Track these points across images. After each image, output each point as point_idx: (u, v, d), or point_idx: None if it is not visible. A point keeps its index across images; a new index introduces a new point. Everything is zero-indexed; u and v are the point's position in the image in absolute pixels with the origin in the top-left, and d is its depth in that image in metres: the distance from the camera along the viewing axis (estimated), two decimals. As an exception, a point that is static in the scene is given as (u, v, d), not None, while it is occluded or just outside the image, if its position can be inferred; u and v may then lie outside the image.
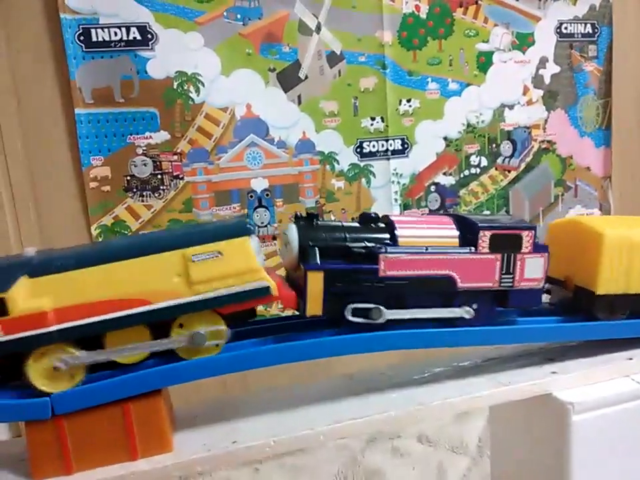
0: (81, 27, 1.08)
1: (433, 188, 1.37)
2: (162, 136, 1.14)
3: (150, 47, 1.12)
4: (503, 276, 0.55)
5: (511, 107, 1.41)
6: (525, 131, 1.44)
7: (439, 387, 0.56)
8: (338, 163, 1.27)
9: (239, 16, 1.17)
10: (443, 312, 0.54)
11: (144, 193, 1.13)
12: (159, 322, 0.48)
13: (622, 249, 0.59)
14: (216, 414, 0.54)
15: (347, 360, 0.56)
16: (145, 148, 1.13)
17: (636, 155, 1.56)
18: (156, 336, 0.48)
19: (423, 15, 1.30)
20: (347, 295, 0.52)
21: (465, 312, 0.55)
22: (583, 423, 0.54)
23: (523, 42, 1.40)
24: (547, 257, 0.57)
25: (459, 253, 0.55)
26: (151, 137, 1.13)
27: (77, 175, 1.10)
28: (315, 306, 0.51)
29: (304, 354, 0.52)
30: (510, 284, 0.56)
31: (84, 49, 1.09)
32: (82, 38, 1.09)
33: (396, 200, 1.33)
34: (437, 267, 0.54)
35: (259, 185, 1.21)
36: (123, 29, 1.11)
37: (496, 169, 1.43)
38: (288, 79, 1.20)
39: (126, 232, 1.12)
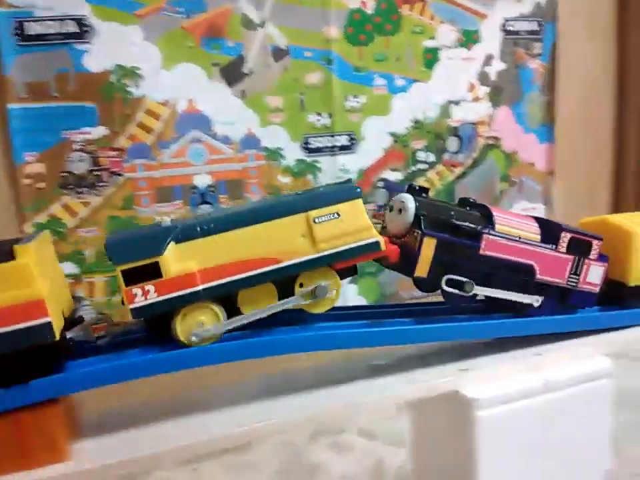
0: (15, 20, 1.05)
1: (380, 184, 1.38)
2: (100, 131, 1.11)
3: (87, 40, 1.09)
4: (571, 275, 0.63)
5: (457, 103, 1.43)
6: (471, 127, 1.46)
7: (351, 387, 0.56)
8: (284, 159, 1.27)
9: (180, 9, 1.15)
10: (518, 296, 0.61)
11: (81, 190, 1.10)
12: (285, 280, 0.54)
13: None
14: (123, 420, 0.54)
15: (264, 362, 0.56)
16: (82, 143, 1.10)
17: (579, 150, 1.60)
18: (280, 293, 0.54)
19: (370, 11, 1.30)
20: (448, 265, 0.58)
21: (535, 300, 0.62)
22: (488, 419, 0.56)
23: (469, 39, 1.42)
24: (607, 266, 0.65)
25: (543, 247, 0.62)
26: (88, 132, 1.10)
27: (9, 171, 1.06)
28: (423, 268, 0.56)
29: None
30: (575, 284, 0.64)
31: (19, 43, 1.05)
32: (17, 31, 1.05)
33: (344, 196, 1.33)
34: (524, 255, 0.61)
35: (203, 181, 1.20)
36: (59, 22, 1.07)
37: (443, 164, 1.45)
38: (232, 73, 1.19)
39: (61, 230, 1.09)
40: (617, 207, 1.67)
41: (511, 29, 1.46)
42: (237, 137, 1.22)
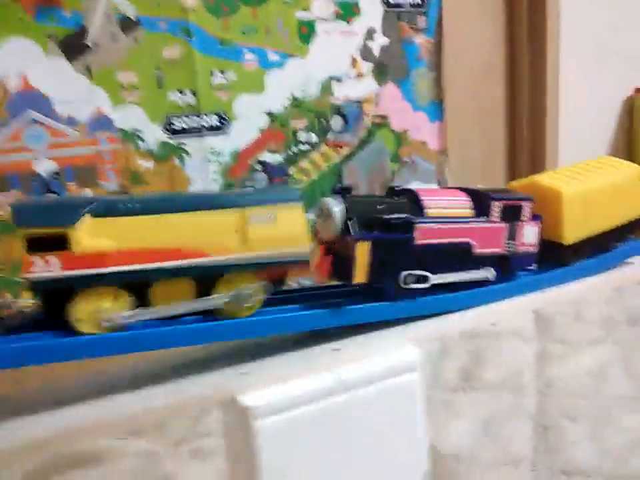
0: None
1: (258, 167, 1.30)
2: None
3: None
4: (508, 242, 0.64)
5: (340, 80, 1.36)
6: (356, 105, 1.39)
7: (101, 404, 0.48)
8: (144, 141, 1.16)
9: (8, -25, 1.01)
10: (474, 274, 0.62)
11: None
12: (207, 278, 0.50)
13: (579, 200, 0.68)
14: None
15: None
16: None
17: (470, 128, 1.57)
18: (200, 292, 0.50)
19: (234, -22, 1.20)
20: (386, 263, 0.56)
21: (490, 274, 0.63)
22: (269, 428, 0.49)
23: (348, 12, 1.34)
24: (540, 224, 0.66)
25: (476, 221, 0.61)
26: None
27: None
28: (361, 274, 0.54)
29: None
30: (513, 249, 0.64)
31: None
32: None
33: (215, 180, 1.24)
34: (459, 234, 0.60)
35: (45, 167, 1.08)
36: None
37: (327, 144, 1.37)
38: (72, 47, 1.07)
39: None
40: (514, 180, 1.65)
41: (393, 1, 1.39)
42: (83, 118, 1.10)
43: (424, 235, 0.57)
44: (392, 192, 0.61)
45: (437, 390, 1.16)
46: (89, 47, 1.08)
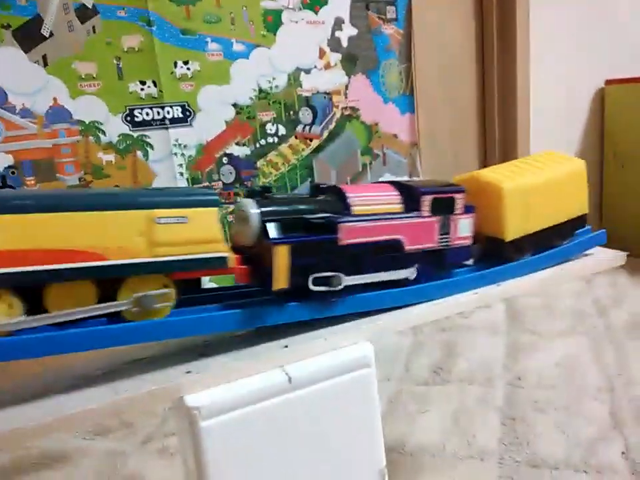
0: None
1: (225, 160, 1.27)
2: None
3: None
4: (441, 236, 0.60)
5: (308, 71, 1.34)
6: (325, 97, 1.37)
7: (43, 404, 0.45)
8: (104, 134, 1.13)
9: (-42, -41, 0.97)
10: (392, 274, 0.58)
11: None
12: (109, 280, 0.46)
13: (520, 196, 0.66)
14: None
15: None
16: None
17: (441, 121, 1.56)
18: (101, 294, 0.47)
19: (196, -34, 1.17)
20: (309, 265, 0.53)
21: (410, 273, 0.59)
22: (215, 428, 0.47)
23: (315, 1, 1.32)
24: (474, 216, 0.63)
25: (405, 217, 0.58)
26: None
27: None
28: (281, 279, 0.51)
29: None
30: (447, 243, 0.61)
31: None
32: None
33: (181, 174, 1.21)
34: (387, 232, 0.57)
35: (1, 161, 1.04)
36: None
37: (296, 137, 1.35)
38: (27, 36, 1.03)
39: None
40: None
41: (361, -10, 1.37)
42: (41, 110, 1.06)
43: (349, 235, 0.54)
44: (317, 190, 0.57)
45: (407, 383, 1.16)
46: (44, 36, 1.04)
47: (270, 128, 1.31)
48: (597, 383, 1.11)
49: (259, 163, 1.31)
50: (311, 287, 0.53)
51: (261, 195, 0.53)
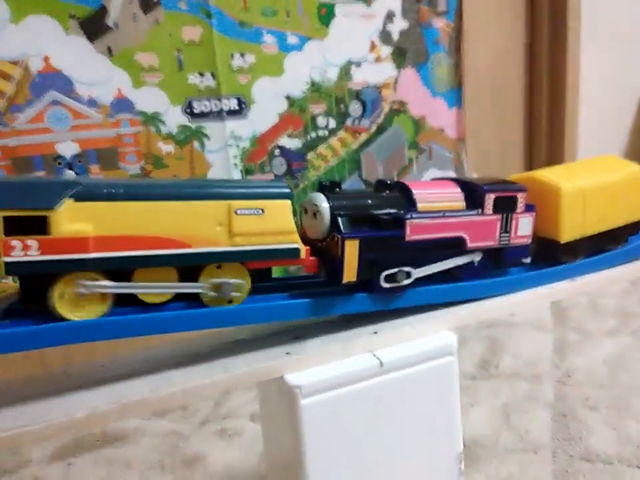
0: None
1: (277, 151, 1.29)
2: None
3: None
4: (502, 234, 0.61)
5: (359, 65, 1.35)
6: (374, 91, 1.38)
7: (160, 377, 0.48)
8: (164, 125, 1.15)
9: (30, -48, 1.00)
10: (457, 260, 0.58)
11: None
12: (190, 267, 0.49)
13: (577, 198, 0.65)
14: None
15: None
16: None
17: (488, 115, 1.56)
18: (183, 281, 0.49)
19: (256, -40, 1.19)
20: (377, 260, 0.54)
21: (475, 257, 0.60)
22: (313, 407, 0.49)
23: (368, -6, 1.32)
24: (535, 215, 0.63)
25: (469, 215, 0.58)
26: None
27: None
28: (350, 273, 0.52)
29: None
30: (507, 241, 0.61)
31: None
32: None
33: (236, 165, 1.24)
34: (451, 229, 0.57)
35: (68, 149, 1.07)
36: None
37: (345, 130, 1.37)
38: (93, 27, 1.06)
39: None
40: (531, 170, 1.64)
41: (413, -16, 1.38)
42: (105, 100, 1.09)
43: (415, 231, 0.54)
44: (382, 186, 0.58)
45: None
46: (109, 27, 1.07)
47: (321, 121, 1.33)
48: (646, 382, 1.11)
49: (309, 156, 1.33)
50: (382, 283, 0.54)
51: (330, 189, 0.54)
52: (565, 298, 1.38)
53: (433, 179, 0.67)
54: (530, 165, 1.63)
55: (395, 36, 1.38)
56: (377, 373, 0.52)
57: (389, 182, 0.58)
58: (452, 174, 1.54)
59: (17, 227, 0.42)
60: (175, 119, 1.16)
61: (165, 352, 0.55)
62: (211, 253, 0.48)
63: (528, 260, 0.67)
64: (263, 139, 1.26)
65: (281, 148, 1.29)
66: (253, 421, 1.07)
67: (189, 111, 1.17)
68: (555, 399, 1.08)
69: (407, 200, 0.56)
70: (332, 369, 0.51)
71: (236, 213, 0.49)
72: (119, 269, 0.46)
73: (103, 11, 1.06)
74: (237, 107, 1.21)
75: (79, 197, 0.44)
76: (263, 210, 0.50)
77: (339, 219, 0.52)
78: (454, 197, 0.59)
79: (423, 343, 0.55)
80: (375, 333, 0.54)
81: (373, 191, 0.58)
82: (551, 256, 0.66)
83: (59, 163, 1.07)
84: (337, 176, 1.37)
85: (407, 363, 0.54)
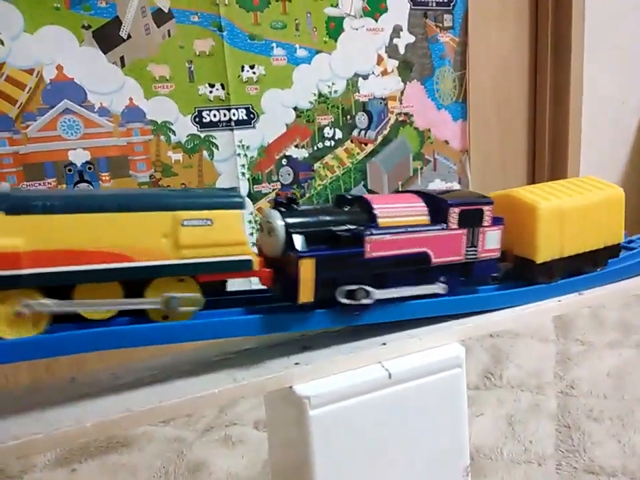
0: None
1: (284, 161, 1.31)
2: (-48, 101, 0.98)
3: None
4: (468, 249, 0.59)
5: (365, 77, 1.36)
6: (380, 103, 1.40)
7: (169, 386, 0.49)
8: (174, 134, 1.17)
9: (45, -36, 1.02)
10: (422, 289, 0.57)
11: None
12: (135, 281, 0.46)
13: (555, 218, 0.64)
14: None
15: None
16: None
17: (492, 128, 1.58)
18: (128, 296, 0.47)
19: (265, -27, 1.21)
20: (334, 278, 0.52)
21: (441, 288, 0.58)
22: (322, 418, 0.50)
23: (375, 9, 1.35)
24: (503, 228, 0.61)
25: (432, 230, 0.57)
26: (-63, 101, 0.97)
27: None
28: (307, 293, 0.50)
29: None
30: (474, 256, 0.59)
31: None
32: None
33: (243, 174, 1.25)
34: (414, 245, 0.55)
35: (79, 157, 1.09)
36: None
37: (352, 141, 1.38)
38: (107, 38, 1.08)
39: None
40: (533, 184, 1.65)
41: (420, -1, 1.40)
42: (117, 109, 1.11)
43: (376, 248, 0.52)
44: (342, 201, 0.56)
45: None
46: (122, 38, 1.09)
47: (327, 131, 1.34)
48: (649, 395, 1.12)
49: (316, 166, 1.34)
50: (340, 299, 0.52)
51: (287, 205, 0.52)
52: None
53: (398, 192, 0.65)
54: (533, 177, 1.65)
55: (402, 50, 1.40)
56: (385, 385, 0.53)
57: (349, 197, 0.56)
58: (456, 185, 1.55)
59: None
60: (184, 128, 1.17)
61: (173, 361, 0.55)
62: (156, 267, 0.46)
63: (497, 274, 0.65)
64: (270, 148, 1.28)
65: (288, 158, 1.31)
66: (257, 429, 1.08)
67: (199, 121, 1.19)
68: (558, 410, 1.09)
69: (367, 215, 0.54)
70: (340, 380, 0.52)
71: (182, 224, 0.46)
72: (56, 286, 0.44)
73: (116, 23, 1.08)
74: (245, 117, 1.23)
75: (10, 210, 0.42)
76: (211, 220, 0.47)
77: (294, 237, 0.50)
78: (417, 211, 0.57)
79: (431, 354, 0.56)
80: (384, 344, 0.55)
81: (333, 206, 0.56)
82: (526, 276, 0.65)
83: (70, 170, 1.09)
84: (342, 185, 1.38)
85: (415, 375, 0.54)
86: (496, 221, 0.60)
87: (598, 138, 1.66)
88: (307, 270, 0.49)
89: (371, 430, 0.53)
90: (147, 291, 0.47)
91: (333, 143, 1.35)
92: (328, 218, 0.53)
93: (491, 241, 0.60)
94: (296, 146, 1.31)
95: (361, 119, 1.38)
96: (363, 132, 1.39)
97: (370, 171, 1.42)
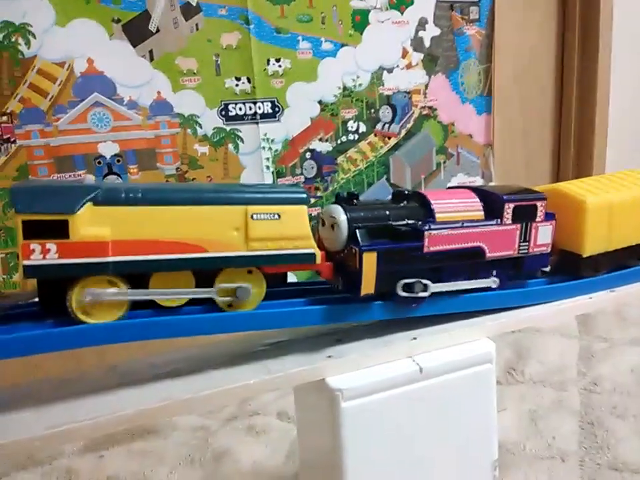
0: None
1: (308, 155, 1.31)
2: (-14, 93, 1.00)
3: (-31, -9, 0.97)
4: (521, 244, 0.60)
5: (390, 71, 1.36)
6: (405, 96, 1.40)
7: (203, 377, 0.50)
8: (200, 127, 1.18)
9: (76, -42, 1.04)
10: (476, 283, 0.59)
11: (-35, 159, 1.00)
12: (207, 271, 0.49)
13: (602, 212, 0.65)
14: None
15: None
16: (-35, 107, 0.99)
17: (516, 122, 1.56)
18: (198, 285, 0.50)
19: (292, -33, 1.21)
20: (394, 272, 0.54)
21: (493, 282, 0.60)
22: (354, 410, 0.51)
23: (401, 1, 1.34)
24: (555, 223, 0.63)
25: (487, 225, 0.58)
26: (-28, 94, 0.99)
27: None
28: (369, 285, 0.52)
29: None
30: (526, 250, 0.61)
31: None
32: None
33: (268, 167, 1.26)
34: (470, 239, 0.57)
35: (108, 149, 1.11)
36: None
37: (375, 135, 1.38)
38: (136, 31, 1.09)
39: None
40: (557, 180, 1.64)
41: (446, -9, 1.38)
42: (145, 102, 1.12)
43: (434, 242, 0.54)
44: (399, 196, 0.57)
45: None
46: (151, 31, 1.10)
47: (351, 125, 1.34)
48: (674, 393, 1.11)
49: (339, 159, 1.35)
50: (400, 292, 0.54)
51: (348, 201, 0.54)
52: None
53: (452, 188, 0.67)
54: (557, 174, 1.63)
55: (427, 43, 1.39)
56: (416, 379, 0.54)
57: (406, 192, 0.58)
58: (479, 180, 1.54)
59: (36, 231, 0.43)
60: (210, 121, 1.18)
61: (208, 352, 0.57)
62: (227, 258, 0.49)
63: (547, 269, 0.67)
64: (294, 142, 1.28)
65: (312, 151, 1.31)
66: (280, 419, 1.09)
67: (224, 114, 1.20)
68: (581, 406, 1.08)
69: (425, 210, 0.56)
70: (372, 373, 0.53)
71: (252, 218, 0.49)
72: (137, 273, 0.47)
73: (145, 16, 1.09)
74: (270, 111, 1.24)
75: (98, 201, 0.45)
76: (279, 215, 0.50)
77: (357, 232, 0.52)
78: (472, 207, 0.59)
79: (462, 349, 0.57)
80: (414, 338, 0.56)
81: (391, 201, 0.58)
82: (571, 269, 0.66)
83: (99, 163, 1.11)
84: (365, 179, 1.38)
85: (446, 370, 0.55)
86: (548, 217, 0.62)
87: (626, 135, 1.64)
88: (369, 263, 0.51)
89: (401, 423, 0.54)
90: (216, 281, 0.50)
91: (356, 136, 1.35)
92: (387, 213, 0.55)
93: (543, 236, 0.61)
94: (320, 139, 1.31)
95: (385, 113, 1.38)
96: (386, 125, 1.39)
97: (393, 164, 1.42)
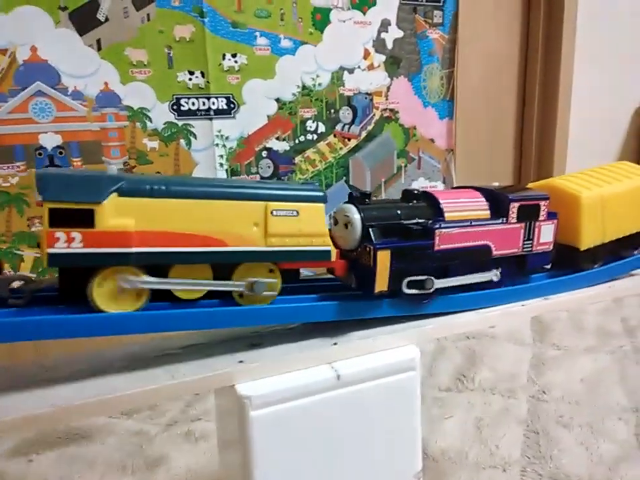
0: None
1: (264, 153, 1.29)
2: None
3: None
4: (525, 242, 0.62)
5: (351, 71, 1.34)
6: (366, 98, 1.38)
7: (100, 382, 0.47)
8: (151, 121, 1.15)
9: (23, -59, 0.99)
10: (477, 277, 0.60)
11: None
12: (225, 265, 0.50)
13: (597, 206, 0.67)
14: None
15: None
16: None
17: (479, 128, 1.56)
18: (216, 279, 0.50)
19: (250, -39, 1.18)
20: (405, 269, 0.55)
21: (494, 275, 0.61)
22: (265, 419, 0.48)
23: (364, 2, 1.32)
24: (557, 222, 0.65)
25: (494, 224, 0.60)
26: None
27: None
28: (382, 282, 0.53)
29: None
30: (530, 248, 0.63)
31: None
32: None
33: (221, 165, 1.23)
34: (477, 238, 0.59)
35: (50, 141, 1.06)
36: None
37: (335, 136, 1.36)
38: (83, 19, 1.05)
39: None
40: (519, 182, 1.64)
41: (410, -7, 1.37)
42: (91, 93, 1.08)
43: (444, 240, 0.56)
44: (409, 196, 0.59)
45: (430, 388, 1.17)
46: (100, 20, 1.06)
47: (310, 125, 1.32)
48: (621, 403, 1.11)
49: (297, 159, 1.32)
50: (405, 290, 0.55)
51: (361, 200, 0.55)
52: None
53: (458, 188, 0.68)
54: (519, 176, 1.63)
55: (389, 44, 1.37)
56: (333, 386, 0.51)
57: (415, 192, 0.59)
58: (440, 185, 1.53)
59: (62, 219, 0.43)
60: (161, 115, 1.15)
61: (111, 355, 0.53)
62: (246, 252, 0.50)
63: (549, 266, 0.69)
64: (250, 140, 1.25)
65: (269, 150, 1.29)
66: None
67: (177, 108, 1.16)
68: (528, 415, 1.07)
69: (434, 210, 0.58)
70: (286, 380, 0.50)
71: (272, 214, 0.50)
72: (158, 264, 0.47)
73: (94, 5, 1.05)
74: (225, 107, 1.21)
75: (123, 192, 0.45)
76: (297, 212, 0.51)
77: (371, 230, 0.53)
78: (479, 206, 0.61)
79: (384, 356, 0.55)
80: (335, 344, 0.53)
81: (400, 200, 0.59)
82: (570, 262, 0.68)
83: (40, 154, 1.06)
84: (324, 181, 1.36)
85: (366, 377, 0.53)
86: (550, 216, 0.64)
87: (587, 137, 1.65)
88: (383, 261, 0.52)
89: (316, 433, 0.51)
90: (234, 275, 0.50)
91: (315, 136, 1.33)
92: (399, 212, 0.56)
93: (546, 234, 0.64)
94: (277, 138, 1.29)
95: (345, 114, 1.36)
96: (346, 127, 1.37)
97: (353, 166, 1.40)
